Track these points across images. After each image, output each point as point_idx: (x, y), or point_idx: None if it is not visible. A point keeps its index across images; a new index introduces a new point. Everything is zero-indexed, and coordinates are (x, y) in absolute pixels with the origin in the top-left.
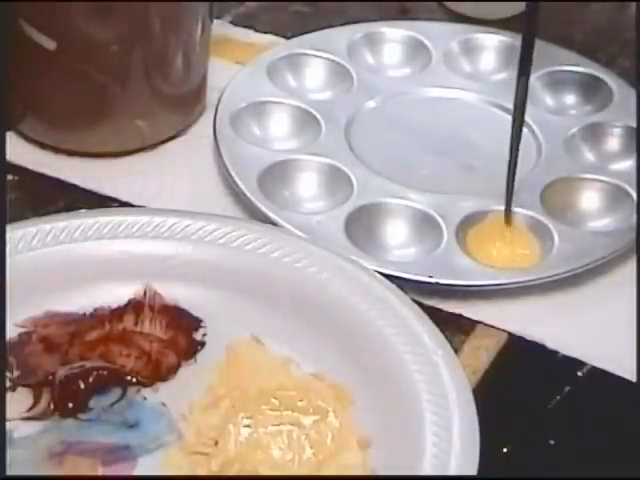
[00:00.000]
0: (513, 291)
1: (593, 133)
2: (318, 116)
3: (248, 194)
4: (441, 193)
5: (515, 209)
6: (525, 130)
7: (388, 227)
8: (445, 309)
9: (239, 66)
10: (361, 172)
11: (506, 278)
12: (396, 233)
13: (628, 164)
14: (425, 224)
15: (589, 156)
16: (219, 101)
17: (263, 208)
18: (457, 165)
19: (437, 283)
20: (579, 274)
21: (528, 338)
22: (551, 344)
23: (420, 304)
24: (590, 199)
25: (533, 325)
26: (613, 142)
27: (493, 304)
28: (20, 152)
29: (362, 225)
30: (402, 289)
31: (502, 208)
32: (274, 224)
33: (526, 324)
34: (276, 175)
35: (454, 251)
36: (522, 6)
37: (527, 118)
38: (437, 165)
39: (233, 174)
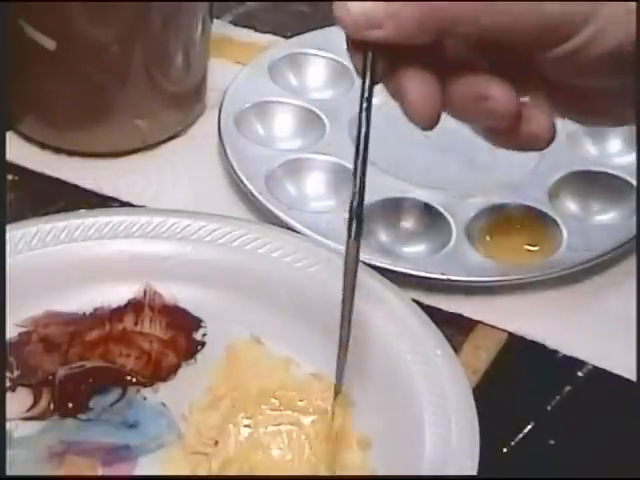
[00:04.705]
0: (517, 288)
1: (594, 127)
2: (322, 115)
3: (257, 194)
4: (448, 190)
5: (524, 204)
6: None
7: (397, 225)
8: (445, 309)
9: (239, 66)
10: (368, 170)
11: (519, 273)
12: (405, 231)
13: (631, 158)
14: (434, 221)
15: (592, 150)
16: (222, 101)
17: (273, 208)
18: (461, 161)
19: (449, 280)
20: (580, 271)
21: (528, 338)
22: (552, 343)
23: (420, 304)
24: (596, 193)
25: (534, 324)
26: (615, 136)
27: (496, 302)
28: (20, 152)
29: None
30: (407, 285)
31: (509, 202)
32: (284, 224)
33: (526, 323)
34: (283, 175)
35: (464, 248)
36: None
37: None
38: (441, 162)
39: (240, 174)
